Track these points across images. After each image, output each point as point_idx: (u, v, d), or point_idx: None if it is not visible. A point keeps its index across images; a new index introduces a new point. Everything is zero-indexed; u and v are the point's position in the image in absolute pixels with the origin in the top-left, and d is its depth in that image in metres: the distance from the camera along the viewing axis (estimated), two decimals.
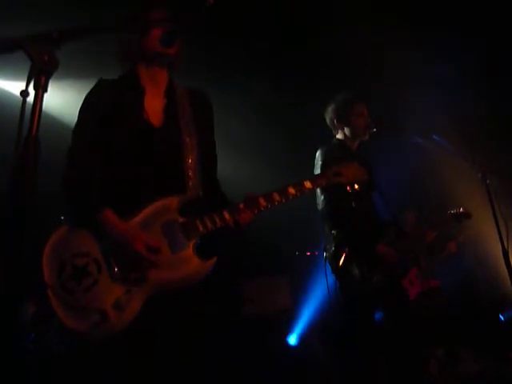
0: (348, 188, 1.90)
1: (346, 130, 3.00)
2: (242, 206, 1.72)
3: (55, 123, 4.32)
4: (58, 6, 3.45)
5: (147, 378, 1.59)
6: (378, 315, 2.80)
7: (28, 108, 1.08)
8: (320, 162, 2.84)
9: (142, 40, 1.76)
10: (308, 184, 1.82)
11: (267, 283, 4.44)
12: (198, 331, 1.69)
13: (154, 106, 1.78)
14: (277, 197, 1.75)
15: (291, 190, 1.78)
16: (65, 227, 1.61)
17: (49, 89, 1.09)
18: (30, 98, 1.09)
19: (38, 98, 1.07)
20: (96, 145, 1.71)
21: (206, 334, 1.73)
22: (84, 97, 1.78)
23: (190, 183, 1.72)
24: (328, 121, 3.09)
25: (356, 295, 2.70)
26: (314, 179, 1.87)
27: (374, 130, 2.97)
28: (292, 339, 4.49)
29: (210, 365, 1.72)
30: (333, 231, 2.78)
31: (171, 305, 1.59)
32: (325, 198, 2.75)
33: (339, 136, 3.05)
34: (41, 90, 1.07)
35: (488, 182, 3.01)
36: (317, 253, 4.47)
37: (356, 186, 1.91)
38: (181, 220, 1.65)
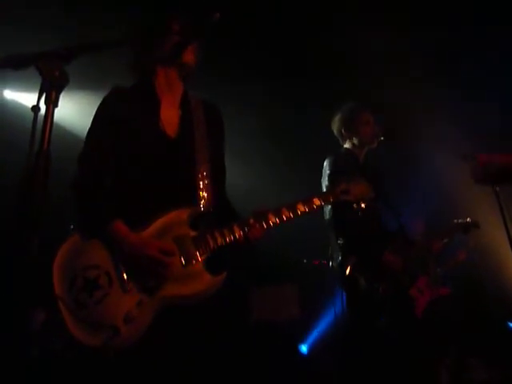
0: (354, 206, 1.94)
1: (354, 139, 3.02)
2: (251, 220, 1.71)
3: (65, 133, 4.38)
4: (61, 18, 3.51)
5: None
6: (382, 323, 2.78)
7: (40, 121, 1.11)
8: (328, 172, 2.85)
9: (155, 46, 1.76)
10: (317, 201, 1.84)
11: (275, 292, 4.43)
12: (207, 344, 1.67)
13: (169, 117, 1.78)
14: (286, 213, 1.75)
15: (301, 207, 1.79)
16: (75, 237, 1.59)
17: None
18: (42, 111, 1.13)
19: (49, 113, 1.10)
20: (108, 153, 1.70)
21: (215, 347, 1.70)
22: (98, 105, 1.77)
23: (201, 196, 1.71)
24: (335, 131, 3.10)
25: (363, 304, 2.69)
26: (323, 196, 1.89)
27: (382, 138, 2.98)
28: (302, 348, 4.46)
29: (220, 377, 1.71)
30: (339, 241, 2.79)
31: (181, 318, 1.58)
32: (331, 208, 2.76)
33: (347, 145, 3.07)
34: (51, 105, 1.10)
35: (498, 189, 2.98)
36: (325, 262, 4.46)
37: (362, 205, 1.95)
38: (192, 234, 1.64)
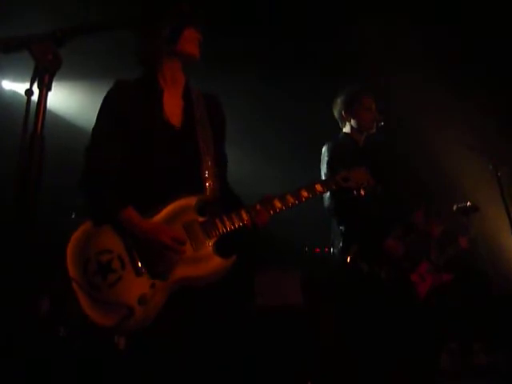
0: (354, 192, 2.02)
1: (354, 122, 3.00)
2: (258, 206, 1.77)
3: (66, 124, 4.38)
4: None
5: (166, 373, 1.61)
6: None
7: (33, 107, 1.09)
8: (326, 158, 2.84)
9: (155, 33, 1.76)
10: (319, 187, 1.92)
11: (278, 278, 4.44)
12: (216, 326, 1.72)
13: (172, 107, 1.81)
14: (291, 199, 1.83)
15: (304, 193, 1.87)
16: (88, 223, 1.63)
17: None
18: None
19: (43, 96, 1.09)
20: (115, 143, 1.72)
21: (224, 328, 1.77)
22: (103, 98, 1.79)
23: (208, 184, 1.76)
24: (336, 113, 3.09)
25: (365, 291, 2.69)
26: (325, 183, 1.97)
27: (382, 123, 2.96)
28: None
29: (231, 359, 1.76)
30: (340, 227, 2.79)
31: (192, 300, 1.63)
32: (331, 194, 2.75)
33: (346, 129, 3.05)
34: (45, 88, 1.09)
35: (499, 174, 2.97)
36: (326, 249, 4.46)
37: (362, 192, 2.02)
38: (200, 219, 1.70)
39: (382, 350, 2.60)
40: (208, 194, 1.75)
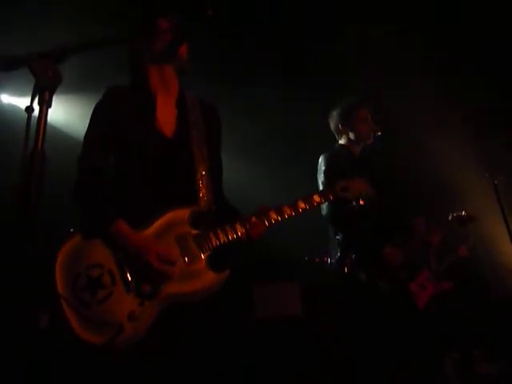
0: (354, 203, 1.98)
1: (351, 134, 3.00)
2: (253, 218, 1.73)
3: (63, 136, 4.39)
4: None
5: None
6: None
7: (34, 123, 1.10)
8: (323, 168, 2.84)
9: (149, 43, 1.77)
10: (317, 198, 1.87)
11: (276, 290, 4.42)
12: (210, 341, 1.68)
13: (166, 116, 1.78)
14: (287, 210, 1.78)
15: (301, 204, 1.82)
16: (78, 237, 1.60)
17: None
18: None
19: (43, 113, 1.09)
20: (107, 153, 1.71)
21: (218, 343, 1.71)
22: (94, 106, 1.77)
23: (202, 194, 1.72)
24: (332, 125, 3.09)
25: (364, 300, 2.68)
26: (322, 193, 1.92)
27: (379, 134, 2.97)
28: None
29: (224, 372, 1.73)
30: (337, 237, 2.79)
31: (184, 315, 1.59)
32: (328, 204, 2.75)
33: (342, 141, 3.06)
34: (45, 105, 1.09)
35: (496, 182, 2.99)
36: (325, 259, 4.45)
37: (361, 202, 1.98)
38: (193, 232, 1.66)
39: (381, 360, 2.59)
40: (202, 205, 1.71)
